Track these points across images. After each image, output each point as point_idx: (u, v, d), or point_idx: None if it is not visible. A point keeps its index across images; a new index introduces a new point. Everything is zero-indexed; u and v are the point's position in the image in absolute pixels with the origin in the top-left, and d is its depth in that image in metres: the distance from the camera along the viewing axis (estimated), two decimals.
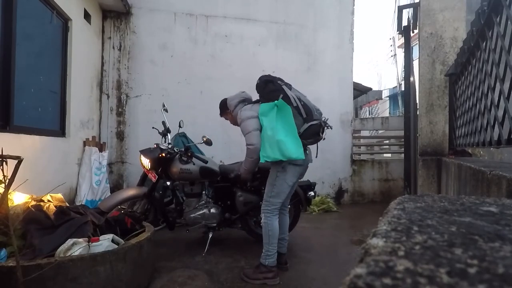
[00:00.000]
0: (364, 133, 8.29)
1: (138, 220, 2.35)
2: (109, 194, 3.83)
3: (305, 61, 5.05)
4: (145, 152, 2.80)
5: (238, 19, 4.85)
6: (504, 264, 0.27)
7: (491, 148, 2.15)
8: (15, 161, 1.43)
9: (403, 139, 4.31)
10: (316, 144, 2.32)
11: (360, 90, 8.26)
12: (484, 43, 1.61)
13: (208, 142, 2.75)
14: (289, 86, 2.28)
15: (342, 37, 5.21)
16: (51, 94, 3.25)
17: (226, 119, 2.58)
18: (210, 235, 2.78)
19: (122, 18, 4.49)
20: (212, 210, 2.80)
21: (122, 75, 4.49)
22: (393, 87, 16.50)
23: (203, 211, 2.79)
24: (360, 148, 6.33)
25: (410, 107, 3.54)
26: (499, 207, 0.50)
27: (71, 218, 1.92)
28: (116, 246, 1.84)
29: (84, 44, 3.82)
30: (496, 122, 1.38)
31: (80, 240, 1.76)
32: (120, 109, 4.48)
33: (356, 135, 6.23)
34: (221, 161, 3.90)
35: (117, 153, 4.47)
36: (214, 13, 4.77)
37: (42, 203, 2.02)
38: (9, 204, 1.53)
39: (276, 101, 2.14)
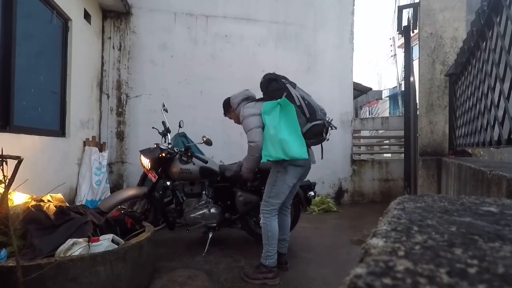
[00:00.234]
0: (364, 133, 8.29)
1: (138, 220, 2.34)
2: (109, 194, 3.83)
3: (305, 61, 5.05)
4: (145, 152, 2.80)
5: (238, 19, 4.85)
6: (504, 264, 0.27)
7: (491, 148, 2.15)
8: (15, 161, 1.43)
9: (403, 139, 4.31)
10: (320, 145, 2.30)
11: (360, 90, 8.26)
12: (484, 43, 1.61)
13: (208, 142, 2.75)
14: (293, 85, 2.25)
15: (342, 37, 5.21)
16: (51, 94, 3.25)
17: (230, 118, 2.54)
18: (210, 235, 2.78)
19: (122, 18, 4.49)
20: (212, 210, 2.80)
21: (122, 75, 4.50)
22: (393, 87, 16.50)
23: (203, 211, 2.79)
24: (360, 148, 6.33)
25: (410, 107, 3.54)
26: (499, 207, 0.50)
27: (71, 218, 1.92)
28: (116, 246, 1.84)
29: (84, 44, 3.82)
30: (496, 122, 1.38)
31: (80, 240, 1.76)
32: (120, 109, 4.48)
33: (356, 135, 6.22)
34: (221, 161, 3.90)
35: (117, 153, 4.47)
36: (214, 13, 4.77)
37: (42, 203, 2.02)
38: (9, 204, 1.53)
39: (279, 100, 2.11)
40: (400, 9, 3.88)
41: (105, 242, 1.80)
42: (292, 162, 2.13)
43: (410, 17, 3.66)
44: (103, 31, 4.44)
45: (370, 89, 9.49)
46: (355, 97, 6.74)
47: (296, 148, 2.04)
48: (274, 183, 2.21)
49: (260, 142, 2.12)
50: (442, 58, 2.75)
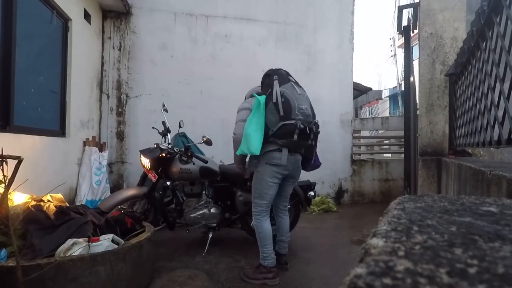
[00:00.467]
0: (364, 133, 8.30)
1: (138, 220, 2.34)
2: (109, 194, 3.84)
3: (305, 61, 5.05)
4: (145, 152, 2.80)
5: (238, 19, 4.85)
6: (504, 264, 0.27)
7: (491, 148, 2.15)
8: (15, 161, 1.43)
9: (403, 139, 4.31)
10: (305, 156, 2.30)
11: (360, 90, 8.26)
12: (484, 43, 1.61)
13: (208, 142, 2.75)
14: (286, 80, 2.19)
15: (342, 37, 5.21)
16: (51, 94, 3.25)
17: None
18: (210, 235, 2.78)
19: (122, 18, 4.49)
20: (212, 210, 2.80)
21: (122, 75, 4.50)
22: (393, 87, 16.50)
23: (203, 211, 2.79)
24: (360, 148, 6.33)
25: (410, 107, 3.54)
26: (499, 207, 0.50)
27: (71, 218, 1.92)
28: (116, 246, 1.84)
29: (84, 44, 3.82)
30: (496, 122, 1.38)
31: (80, 240, 1.76)
32: (120, 109, 4.48)
33: (356, 135, 6.23)
34: (221, 161, 3.90)
35: (117, 153, 4.47)
36: (214, 13, 4.77)
37: (42, 203, 2.02)
38: (9, 204, 1.53)
39: (260, 97, 2.15)
40: (400, 9, 3.88)
41: (105, 242, 1.80)
42: (266, 161, 2.15)
43: (410, 17, 3.66)
44: (103, 31, 4.44)
45: (370, 89, 9.49)
46: (355, 97, 6.74)
47: (256, 144, 2.05)
48: (255, 183, 2.25)
49: (240, 135, 2.16)
50: (442, 58, 2.75)
